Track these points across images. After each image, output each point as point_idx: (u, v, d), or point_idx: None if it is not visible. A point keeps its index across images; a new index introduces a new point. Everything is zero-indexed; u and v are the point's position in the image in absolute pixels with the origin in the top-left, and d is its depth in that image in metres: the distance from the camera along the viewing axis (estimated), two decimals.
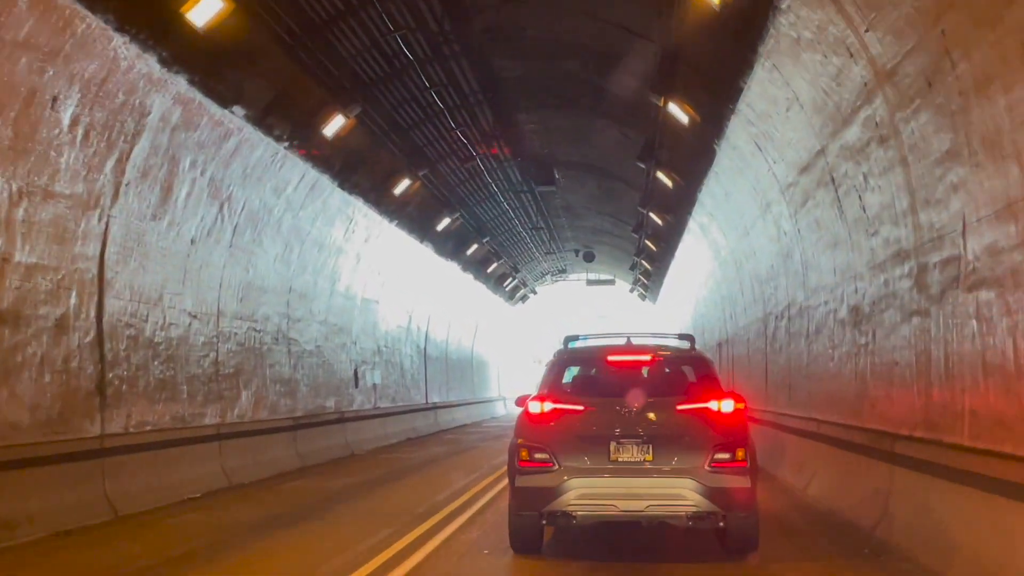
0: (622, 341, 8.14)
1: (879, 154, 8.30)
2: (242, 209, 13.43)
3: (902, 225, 8.11)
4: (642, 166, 17.77)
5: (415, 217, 20.89)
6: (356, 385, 20.14)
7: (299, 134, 13.61)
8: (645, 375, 8.13)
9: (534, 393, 7.58)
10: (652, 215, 21.85)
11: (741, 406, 7.12)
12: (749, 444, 6.97)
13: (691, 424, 6.96)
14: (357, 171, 16.50)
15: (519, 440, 7.14)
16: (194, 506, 10.64)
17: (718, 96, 12.16)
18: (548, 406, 7.17)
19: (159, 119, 10.57)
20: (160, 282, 11.62)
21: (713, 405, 7.03)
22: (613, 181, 21.81)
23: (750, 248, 15.96)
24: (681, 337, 8.65)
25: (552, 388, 7.43)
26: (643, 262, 30.68)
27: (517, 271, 34.65)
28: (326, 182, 15.66)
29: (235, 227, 13.40)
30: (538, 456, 6.94)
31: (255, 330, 14.70)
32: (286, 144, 13.55)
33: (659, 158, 17.04)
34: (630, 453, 6.83)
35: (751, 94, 11.12)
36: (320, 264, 17.28)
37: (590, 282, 41.66)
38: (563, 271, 40.21)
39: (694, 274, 24.14)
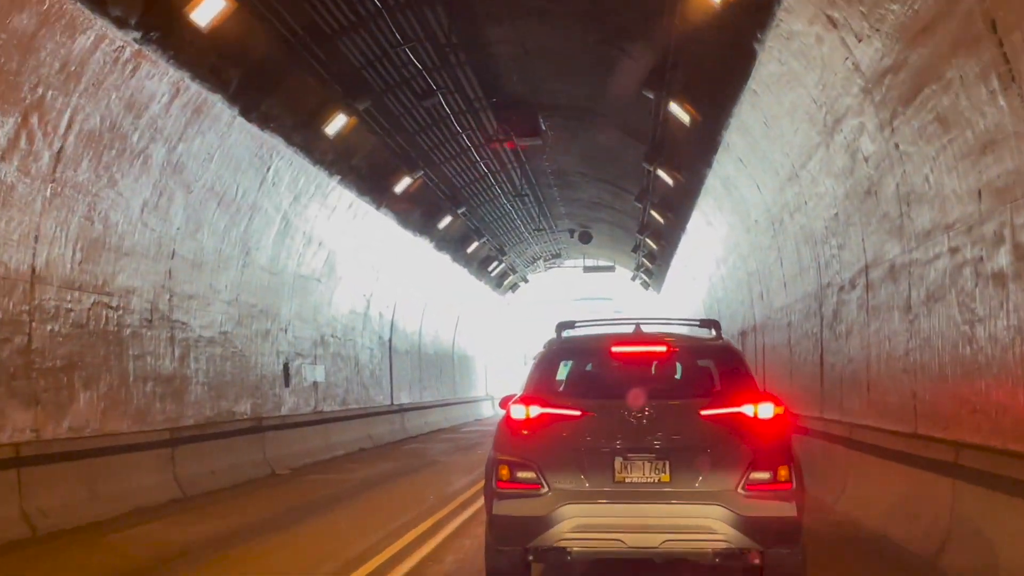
0: (629, 328, 6.56)
1: None
2: (69, 126, 9.19)
3: None
4: (650, 96, 13.53)
5: (364, 173, 16.64)
6: (287, 384, 15.91)
7: (155, 18, 9.37)
8: (659, 371, 6.58)
9: (519, 393, 6.14)
10: (661, 173, 17.53)
11: (781, 410, 5.69)
12: (794, 460, 5.53)
13: (720, 434, 5.59)
14: (268, 94, 12.26)
15: (498, 455, 5.77)
16: None
17: None
18: (535, 410, 5.78)
19: None
20: None
21: (747, 410, 5.63)
22: (612, 130, 17.53)
23: (798, 198, 11.73)
24: (703, 324, 6.98)
25: (541, 387, 6.05)
26: (647, 241, 26.44)
27: (503, 253, 30.34)
28: (220, 105, 11.42)
29: (58, 152, 9.16)
30: (522, 475, 5.61)
31: (109, 307, 10.47)
32: (136, 34, 9.31)
33: (672, 82, 12.81)
34: (641, 472, 5.53)
35: None
36: (224, 224, 13.04)
37: (587, 269, 37.52)
38: (557, 255, 35.91)
39: (710, 248, 19.89)
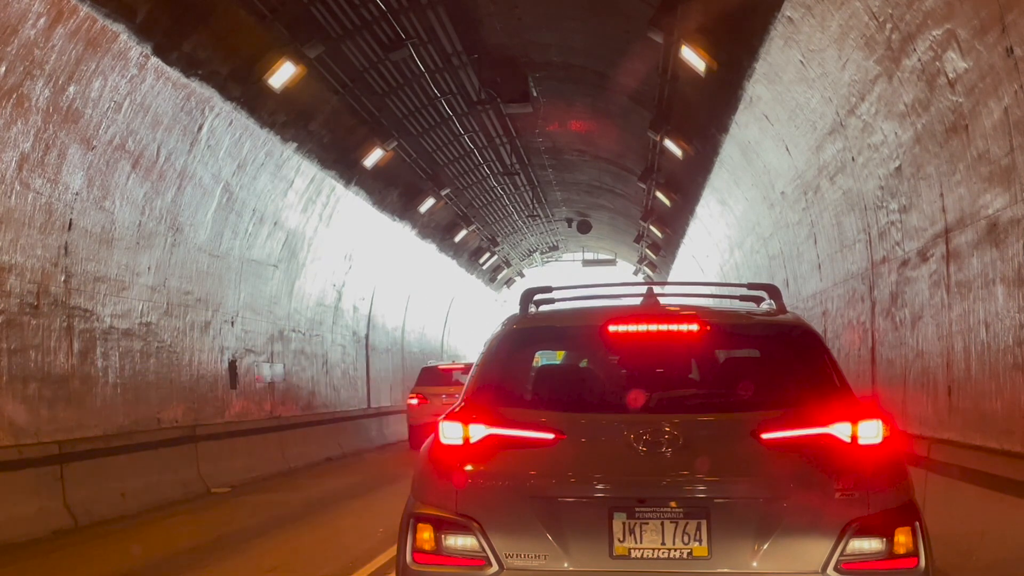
0: (632, 300, 4.23)
1: None
2: None
3: None
4: (658, 40, 11.29)
5: (327, 142, 14.42)
6: (233, 385, 13.67)
7: None
8: (687, 365, 4.32)
9: (458, 401, 3.83)
10: (669, 144, 15.31)
11: (888, 432, 3.45)
12: (919, 516, 3.37)
13: (794, 473, 3.38)
14: (191, 31, 10.02)
15: (417, 506, 3.59)
16: None
17: None
18: (479, 432, 3.56)
19: None
20: None
21: (839, 430, 3.41)
22: (612, 93, 15.28)
23: (842, 155, 9.50)
24: (752, 291, 4.42)
25: (491, 394, 3.76)
26: (652, 229, 24.24)
27: (496, 244, 28.12)
28: (125, 39, 9.19)
29: None
30: (455, 542, 3.44)
31: None
32: None
33: (686, 19, 10.55)
34: (658, 539, 3.34)
35: None
36: (143, 192, 10.79)
37: (587, 262, 35.52)
38: (554, 248, 33.70)
39: (723, 231, 17.66)
